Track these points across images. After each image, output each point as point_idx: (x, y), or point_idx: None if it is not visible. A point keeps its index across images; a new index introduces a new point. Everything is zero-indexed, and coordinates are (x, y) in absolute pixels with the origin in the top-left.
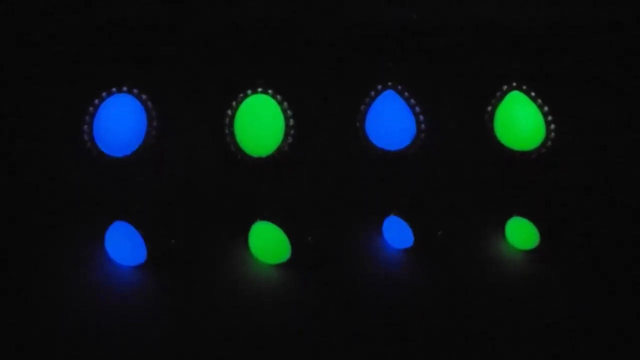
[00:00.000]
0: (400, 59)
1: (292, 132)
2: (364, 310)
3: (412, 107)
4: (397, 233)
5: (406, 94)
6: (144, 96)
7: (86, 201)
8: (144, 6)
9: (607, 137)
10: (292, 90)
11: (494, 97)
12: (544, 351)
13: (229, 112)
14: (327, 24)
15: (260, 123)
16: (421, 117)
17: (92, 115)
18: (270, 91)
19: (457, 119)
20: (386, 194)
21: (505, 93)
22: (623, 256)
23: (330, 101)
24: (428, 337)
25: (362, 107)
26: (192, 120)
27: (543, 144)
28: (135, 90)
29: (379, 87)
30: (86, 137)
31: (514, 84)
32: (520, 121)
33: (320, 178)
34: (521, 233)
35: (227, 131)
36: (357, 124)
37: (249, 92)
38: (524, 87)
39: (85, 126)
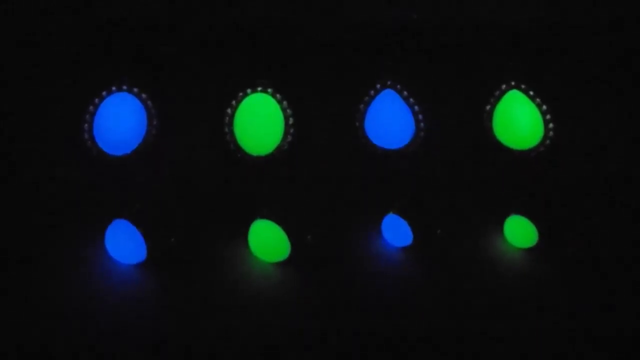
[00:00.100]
0: (399, 59)
1: (291, 131)
2: (363, 309)
3: (411, 106)
4: (396, 231)
5: (405, 93)
6: (144, 95)
7: (86, 200)
8: (144, 6)
9: (605, 137)
10: (291, 89)
11: (493, 96)
12: (544, 351)
13: (229, 111)
14: (327, 24)
15: (260, 122)
16: (420, 116)
17: (92, 114)
18: (269, 90)
19: (456, 118)
20: (385, 192)
21: (504, 92)
22: (623, 255)
23: (330, 100)
24: (428, 336)
25: (362, 106)
26: (192, 119)
27: (542, 143)
28: (135, 90)
29: (378, 86)
30: (86, 136)
31: (513, 83)
32: (519, 120)
33: (320, 177)
34: (520, 231)
35: (226, 130)
36: (357, 123)
37: (249, 91)
38: (523, 86)
39: (86, 125)
